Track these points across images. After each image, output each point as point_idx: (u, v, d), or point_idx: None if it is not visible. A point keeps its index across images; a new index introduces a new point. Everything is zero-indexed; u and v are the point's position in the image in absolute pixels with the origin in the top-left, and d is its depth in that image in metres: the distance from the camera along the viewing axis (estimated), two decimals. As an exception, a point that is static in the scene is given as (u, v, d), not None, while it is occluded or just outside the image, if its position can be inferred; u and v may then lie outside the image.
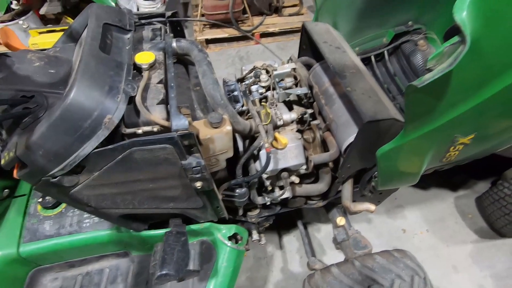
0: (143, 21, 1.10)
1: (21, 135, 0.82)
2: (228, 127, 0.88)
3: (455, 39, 0.63)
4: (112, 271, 1.34)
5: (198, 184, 0.94)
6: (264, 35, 3.80)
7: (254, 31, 3.65)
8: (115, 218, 1.11)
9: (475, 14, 0.61)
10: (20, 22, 3.06)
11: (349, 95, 1.06)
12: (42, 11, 3.60)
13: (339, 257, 2.06)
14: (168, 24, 1.17)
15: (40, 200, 1.29)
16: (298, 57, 1.54)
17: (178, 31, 1.24)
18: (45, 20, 3.63)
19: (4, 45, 0.99)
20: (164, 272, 0.88)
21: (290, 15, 3.88)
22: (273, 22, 3.81)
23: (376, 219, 2.29)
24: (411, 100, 0.77)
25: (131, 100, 0.82)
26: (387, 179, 1.20)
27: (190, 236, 1.33)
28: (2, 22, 3.01)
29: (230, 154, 0.98)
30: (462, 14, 0.60)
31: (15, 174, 0.87)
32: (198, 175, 0.90)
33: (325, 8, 1.49)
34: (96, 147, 0.78)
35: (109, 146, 0.77)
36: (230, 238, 1.32)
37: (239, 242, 1.37)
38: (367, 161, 1.28)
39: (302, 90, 1.17)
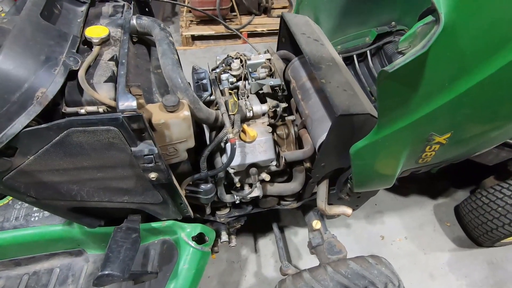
0: (105, -3, 1.01)
1: None
2: (185, 112, 0.79)
3: (429, 18, 0.57)
4: (62, 271, 1.22)
5: (153, 176, 0.85)
6: (252, 35, 3.75)
7: (241, 30, 3.59)
8: (63, 212, 1.00)
9: (451, -7, 0.55)
10: (-6, 5, 2.89)
11: (323, 88, 1.00)
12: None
13: (315, 262, 1.99)
14: (134, 4, 1.08)
15: (-17, 190, 1.17)
16: (277, 50, 1.47)
17: (146, 12, 1.15)
18: (23, 6, 3.46)
19: None
20: (106, 272, 0.78)
21: (279, 16, 3.84)
22: (261, 22, 3.76)
23: (355, 224, 2.23)
24: (383, 89, 0.71)
25: (74, 76, 0.73)
26: (362, 179, 1.14)
27: (150, 235, 1.24)
28: (-27, 4, 2.84)
29: (191, 144, 0.89)
30: (437, -9, 0.54)
31: None
32: (151, 165, 0.80)
33: (307, 1, 1.43)
34: (29, 126, 0.68)
35: (43, 125, 0.67)
36: (195, 238, 1.22)
37: (206, 243, 1.28)
38: (342, 160, 1.21)
39: (275, 81, 1.11)
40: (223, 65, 1.16)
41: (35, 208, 1.18)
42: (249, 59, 1.15)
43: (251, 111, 1.04)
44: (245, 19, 3.71)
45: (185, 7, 3.46)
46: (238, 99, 1.05)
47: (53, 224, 1.15)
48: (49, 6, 0.78)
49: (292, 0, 3.95)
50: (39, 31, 0.70)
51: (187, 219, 1.25)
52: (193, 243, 1.19)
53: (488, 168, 1.96)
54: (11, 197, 1.19)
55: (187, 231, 1.22)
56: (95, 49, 0.79)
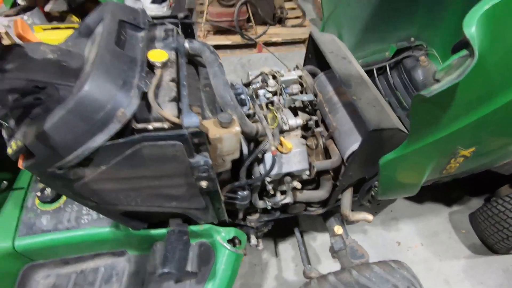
0: (155, 21, 1.12)
1: (31, 125, 0.82)
2: (237, 128, 0.89)
3: (464, 52, 0.66)
4: (107, 270, 1.32)
5: (204, 184, 0.94)
6: (267, 44, 3.86)
7: (257, 40, 3.71)
8: (116, 215, 1.10)
9: (483, 30, 0.64)
10: (25, 17, 3.05)
11: (354, 104, 1.08)
12: (47, 8, 3.60)
13: (335, 266, 2.06)
14: (180, 26, 1.19)
15: (38, 194, 1.28)
16: (304, 65, 1.57)
17: (189, 33, 1.26)
18: (49, 17, 3.63)
19: (16, 36, 0.99)
20: (166, 270, 0.87)
21: (293, 26, 3.96)
22: (276, 32, 3.88)
23: (371, 230, 2.30)
24: (417, 109, 0.79)
25: (143, 96, 0.83)
26: (388, 188, 1.22)
27: (189, 237, 1.33)
28: (7, 16, 3.01)
29: (237, 155, 0.99)
30: (471, 29, 0.63)
31: (20, 164, 0.86)
32: (204, 174, 0.90)
33: (332, 20, 1.53)
34: (108, 141, 0.78)
35: (120, 140, 0.77)
36: (228, 241, 1.31)
37: (237, 245, 1.36)
38: (367, 170, 1.29)
39: (308, 97, 1.20)
40: (260, 81, 1.26)
41: (84, 211, 1.28)
42: (282, 76, 1.25)
43: (287, 124, 1.13)
44: (260, 29, 3.83)
45: (204, 18, 3.59)
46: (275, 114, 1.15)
47: (101, 226, 1.25)
48: (118, 34, 0.89)
49: (305, 11, 4.06)
50: (116, 58, 0.80)
51: (219, 223, 1.34)
52: (228, 246, 1.28)
53: (503, 177, 2.01)
54: (62, 201, 1.30)
55: (222, 235, 1.30)
56: (158, 72, 0.89)
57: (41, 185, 1.32)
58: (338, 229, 1.70)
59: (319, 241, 2.22)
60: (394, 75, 1.84)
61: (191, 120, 0.78)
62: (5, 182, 1.29)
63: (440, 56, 1.68)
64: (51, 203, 1.28)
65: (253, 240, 1.48)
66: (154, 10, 3.42)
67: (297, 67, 1.41)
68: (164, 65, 0.91)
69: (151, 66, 0.93)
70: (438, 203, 2.47)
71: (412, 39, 1.72)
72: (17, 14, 3.14)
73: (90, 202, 0.99)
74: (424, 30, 1.70)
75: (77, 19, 3.77)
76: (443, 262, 2.15)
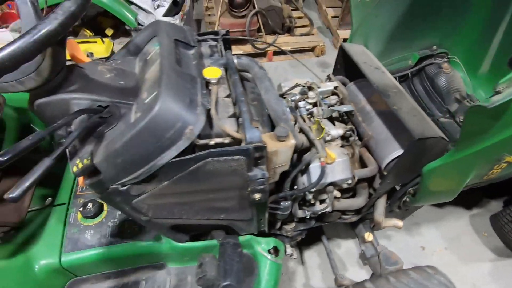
0: (199, 38, 1.15)
1: (95, 143, 0.85)
2: (292, 141, 0.91)
3: (527, 65, 0.69)
4: (148, 283, 1.33)
5: (257, 196, 0.96)
6: (276, 53, 3.92)
7: (267, 49, 3.77)
8: (165, 229, 1.12)
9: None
10: (42, 33, 3.10)
11: (396, 114, 1.11)
12: (60, 23, 3.67)
13: (361, 273, 2.07)
14: (221, 42, 1.22)
15: (80, 209, 1.29)
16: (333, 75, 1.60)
17: (227, 47, 1.29)
18: (63, 32, 3.69)
19: (70, 56, 1.02)
20: (227, 283, 0.89)
21: (302, 35, 4.02)
22: (285, 41, 3.94)
23: (395, 236, 2.31)
24: (472, 119, 0.82)
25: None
26: (428, 195, 1.24)
27: (230, 249, 1.34)
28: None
29: (286, 167, 1.01)
30: (535, 44, 0.66)
31: (81, 181, 0.88)
32: (260, 187, 0.92)
33: (359, 31, 1.57)
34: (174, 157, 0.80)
35: (187, 156, 0.80)
36: (270, 252, 1.32)
37: (279, 256, 1.37)
38: (404, 178, 1.32)
39: (347, 108, 1.23)
40: (297, 93, 1.29)
41: (126, 225, 1.30)
42: (319, 87, 1.28)
43: (330, 135, 1.15)
44: (269, 38, 3.89)
45: (216, 29, 3.64)
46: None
47: (144, 239, 1.26)
48: (176, 53, 0.92)
49: (312, 20, 4.12)
50: (180, 77, 0.83)
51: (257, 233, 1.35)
52: (270, 256, 1.29)
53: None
54: (104, 215, 1.31)
55: (262, 245, 1.32)
56: (214, 88, 0.91)
57: (81, 200, 1.34)
58: (369, 236, 1.71)
59: (343, 248, 2.22)
60: (416, 83, 1.87)
61: (254, 135, 0.81)
62: (49, 198, 1.31)
63: (463, 63, 1.72)
64: (93, 218, 1.29)
65: (289, 249, 1.49)
66: (167, 22, 3.47)
67: (329, 78, 1.45)
68: (218, 81, 0.94)
69: (205, 83, 0.96)
70: (458, 206, 2.48)
71: (435, 47, 1.76)
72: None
73: (144, 217, 1.00)
74: (446, 38, 1.75)
75: (90, 33, 3.83)
76: (468, 265, 2.16)
